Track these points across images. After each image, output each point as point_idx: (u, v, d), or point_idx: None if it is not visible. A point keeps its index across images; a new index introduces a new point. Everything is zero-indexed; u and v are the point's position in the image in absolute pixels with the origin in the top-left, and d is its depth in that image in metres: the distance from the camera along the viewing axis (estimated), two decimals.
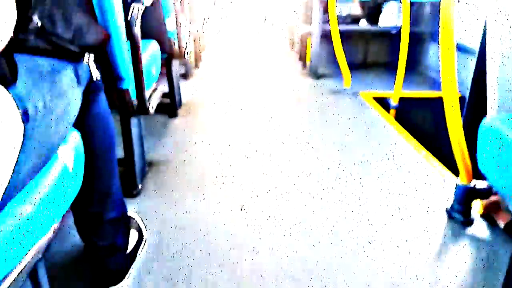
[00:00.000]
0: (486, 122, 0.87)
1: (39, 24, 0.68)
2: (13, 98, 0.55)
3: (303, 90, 2.77)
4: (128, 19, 1.18)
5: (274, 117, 2.19)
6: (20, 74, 0.60)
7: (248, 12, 6.47)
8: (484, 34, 1.22)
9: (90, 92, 0.90)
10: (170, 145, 1.83)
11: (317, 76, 3.09)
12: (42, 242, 0.68)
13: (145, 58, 1.33)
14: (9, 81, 0.58)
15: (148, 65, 1.36)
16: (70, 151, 0.74)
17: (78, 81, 0.81)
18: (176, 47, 1.98)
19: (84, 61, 0.84)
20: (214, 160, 1.68)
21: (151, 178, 1.52)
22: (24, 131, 0.57)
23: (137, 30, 1.18)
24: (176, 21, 1.95)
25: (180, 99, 2.29)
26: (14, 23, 0.52)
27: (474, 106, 1.44)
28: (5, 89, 0.54)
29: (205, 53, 3.77)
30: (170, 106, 2.17)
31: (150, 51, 1.45)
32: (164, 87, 2.08)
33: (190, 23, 2.83)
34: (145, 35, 1.55)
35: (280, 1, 5.02)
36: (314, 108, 2.39)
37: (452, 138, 1.26)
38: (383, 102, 2.55)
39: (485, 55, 0.95)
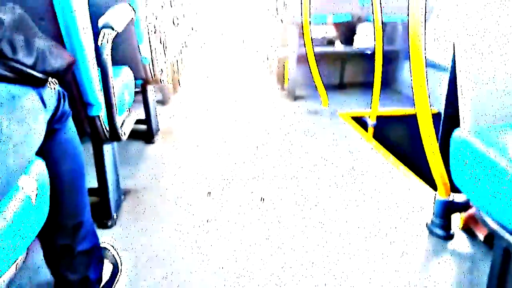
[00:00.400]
0: (457, 134, 0.87)
1: None
2: None
3: (282, 112, 2.78)
4: (98, 44, 1.17)
5: (253, 141, 2.18)
6: None
7: (225, 36, 6.55)
8: (455, 51, 1.25)
9: (57, 119, 0.87)
10: (147, 172, 1.79)
11: (295, 98, 3.11)
12: (4, 278, 0.64)
13: (117, 84, 1.31)
14: None
15: (121, 91, 1.34)
16: (33, 181, 0.71)
17: (44, 107, 0.79)
18: (151, 73, 1.97)
19: (50, 87, 0.82)
20: (191, 188, 1.65)
21: (126, 207, 1.48)
22: None
23: (107, 56, 1.16)
24: (150, 47, 1.95)
25: (157, 125, 2.26)
26: None
27: (449, 121, 1.46)
28: None
29: (183, 78, 3.77)
30: (147, 132, 2.14)
31: (123, 77, 1.43)
32: (139, 114, 2.06)
33: (166, 48, 2.84)
34: (118, 61, 1.53)
35: (257, 25, 5.10)
36: (293, 128, 2.39)
37: (428, 153, 1.26)
38: (361, 121, 2.57)
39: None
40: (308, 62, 2.78)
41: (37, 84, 0.78)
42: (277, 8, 3.21)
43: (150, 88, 2.12)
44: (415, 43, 1.22)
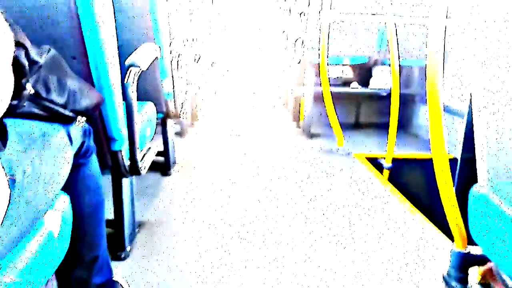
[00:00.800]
0: (475, 189, 0.87)
1: (32, 91, 0.69)
2: (0, 164, 0.55)
3: (297, 150, 2.80)
4: (125, 81, 1.22)
5: (269, 177, 2.19)
6: (10, 138, 0.61)
7: (243, 73, 6.69)
8: (471, 100, 1.26)
9: (81, 154, 0.90)
10: (162, 205, 1.80)
11: (310, 136, 3.14)
12: None
13: (140, 119, 1.35)
14: None
15: (143, 127, 1.38)
16: (57, 216, 0.73)
17: (70, 144, 0.82)
18: (172, 107, 2.02)
19: (77, 124, 0.86)
20: (206, 222, 1.66)
21: (140, 240, 1.48)
22: (10, 197, 0.56)
23: (132, 93, 1.20)
24: (173, 83, 2.01)
25: (174, 158, 2.30)
26: (11, 93, 0.53)
27: (466, 168, 1.45)
28: None
29: (201, 112, 3.85)
30: (164, 164, 2.17)
31: (146, 112, 1.48)
32: (158, 146, 2.10)
33: (187, 83, 2.92)
34: (142, 96, 1.58)
35: (274, 64, 5.21)
36: (308, 167, 2.40)
37: (445, 202, 1.25)
38: (376, 163, 2.57)
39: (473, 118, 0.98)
40: (323, 101, 2.82)
41: (66, 121, 0.81)
42: (295, 49, 3.29)
43: (169, 122, 2.16)
44: (433, 88, 1.23)
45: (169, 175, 2.15)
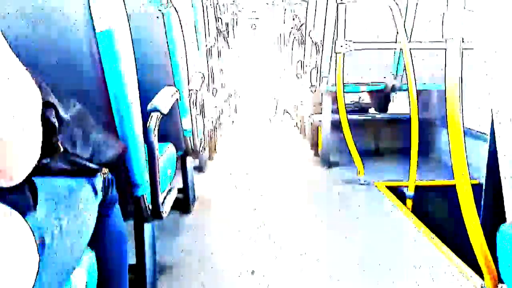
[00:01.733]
0: (504, 228, 0.84)
1: (61, 149, 0.71)
2: (30, 228, 0.55)
3: (316, 180, 2.77)
4: (147, 126, 1.24)
5: (289, 212, 2.17)
6: (38, 199, 0.61)
7: (259, 101, 6.75)
8: (493, 125, 1.23)
9: (105, 205, 0.91)
10: (183, 246, 1.79)
11: (329, 164, 3.11)
12: None
13: (161, 161, 1.36)
14: (29, 208, 0.59)
15: (164, 168, 1.39)
16: (84, 273, 0.73)
17: (95, 196, 0.83)
18: (191, 144, 2.04)
19: (101, 175, 0.87)
20: (229, 262, 1.63)
21: (162, 284, 1.47)
22: (39, 261, 0.57)
23: (154, 137, 1.22)
24: (192, 120, 2.03)
25: (194, 194, 2.30)
26: (39, 152, 0.53)
27: (491, 196, 1.41)
28: (23, 218, 0.54)
29: (219, 145, 3.87)
30: (184, 202, 2.17)
31: (167, 154, 1.50)
32: (178, 183, 2.10)
33: (205, 118, 2.96)
34: (162, 135, 1.61)
35: (290, 91, 5.25)
36: (328, 200, 2.37)
37: (471, 236, 1.21)
38: (399, 192, 2.52)
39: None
40: (341, 127, 2.80)
41: (91, 174, 0.82)
42: (310, 78, 3.32)
43: (189, 159, 2.18)
44: (453, 112, 1.21)
45: (189, 212, 2.15)
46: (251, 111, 6.27)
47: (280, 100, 5.91)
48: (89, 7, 0.98)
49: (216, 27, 3.95)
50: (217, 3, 4.19)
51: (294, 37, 4.09)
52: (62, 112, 0.67)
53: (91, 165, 0.81)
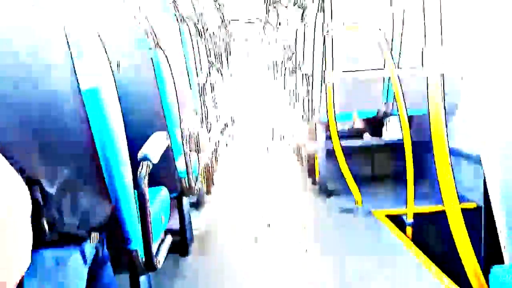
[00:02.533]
0: (496, 271, 0.82)
1: (46, 227, 0.69)
2: None
3: (314, 210, 2.75)
4: (137, 175, 1.23)
5: (288, 247, 2.14)
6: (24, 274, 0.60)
7: (256, 128, 6.77)
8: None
9: (95, 265, 0.89)
10: None
11: (327, 193, 3.09)
12: None
13: (154, 208, 1.35)
14: None
15: (157, 216, 1.37)
16: None
17: (84, 263, 0.81)
18: (186, 184, 2.03)
19: (91, 241, 0.85)
20: None
21: None
22: None
23: (145, 187, 1.21)
24: (186, 160, 2.03)
25: (191, 235, 2.27)
26: (30, 247, 0.53)
27: (490, 217, 1.39)
28: None
29: (216, 176, 3.86)
30: (181, 243, 2.14)
31: (160, 199, 1.48)
32: (173, 224, 2.07)
33: (200, 155, 2.95)
34: (155, 180, 1.59)
35: (286, 119, 5.28)
36: (326, 230, 2.35)
37: (467, 267, 1.19)
38: (398, 220, 2.49)
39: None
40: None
41: (80, 241, 0.81)
42: (303, 107, 3.34)
43: (185, 199, 2.16)
44: (438, 136, 1.21)
45: (188, 254, 2.12)
46: (247, 138, 6.29)
47: (276, 127, 5.93)
48: (73, 64, 0.97)
49: (208, 60, 4.01)
50: (208, 34, 4.25)
51: (285, 67, 4.14)
52: (47, 187, 0.66)
53: (79, 231, 0.80)
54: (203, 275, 1.92)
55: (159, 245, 1.36)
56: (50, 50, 0.95)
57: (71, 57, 0.96)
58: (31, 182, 0.61)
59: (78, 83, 0.98)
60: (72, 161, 0.89)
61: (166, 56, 1.82)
